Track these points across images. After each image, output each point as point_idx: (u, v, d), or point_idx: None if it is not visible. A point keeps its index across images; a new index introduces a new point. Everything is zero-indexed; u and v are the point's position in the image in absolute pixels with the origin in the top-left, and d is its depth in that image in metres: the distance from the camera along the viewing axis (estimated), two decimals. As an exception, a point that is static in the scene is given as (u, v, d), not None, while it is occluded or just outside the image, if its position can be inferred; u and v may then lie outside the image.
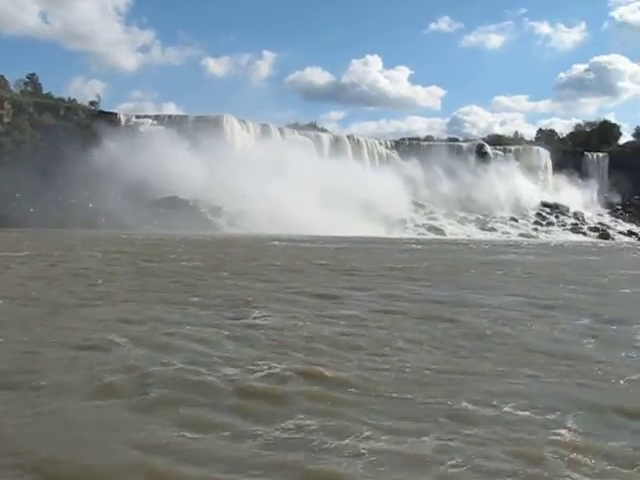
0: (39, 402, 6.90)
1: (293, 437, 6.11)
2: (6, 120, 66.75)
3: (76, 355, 8.91)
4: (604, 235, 79.04)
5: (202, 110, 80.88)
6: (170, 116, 76.78)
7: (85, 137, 65.84)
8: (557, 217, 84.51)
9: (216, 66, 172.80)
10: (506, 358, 9.39)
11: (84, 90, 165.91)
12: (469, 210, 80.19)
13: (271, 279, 19.01)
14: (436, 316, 12.90)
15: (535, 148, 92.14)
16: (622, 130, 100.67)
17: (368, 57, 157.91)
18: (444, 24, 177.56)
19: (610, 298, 17.09)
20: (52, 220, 54.49)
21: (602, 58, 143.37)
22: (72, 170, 60.16)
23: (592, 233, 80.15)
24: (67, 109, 71.91)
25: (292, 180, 61.64)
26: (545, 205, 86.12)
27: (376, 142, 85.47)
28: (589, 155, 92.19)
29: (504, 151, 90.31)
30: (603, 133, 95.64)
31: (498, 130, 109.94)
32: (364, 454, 5.72)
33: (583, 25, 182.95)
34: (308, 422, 6.47)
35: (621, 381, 8.21)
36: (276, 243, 39.26)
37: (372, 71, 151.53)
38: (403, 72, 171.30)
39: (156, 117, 75.22)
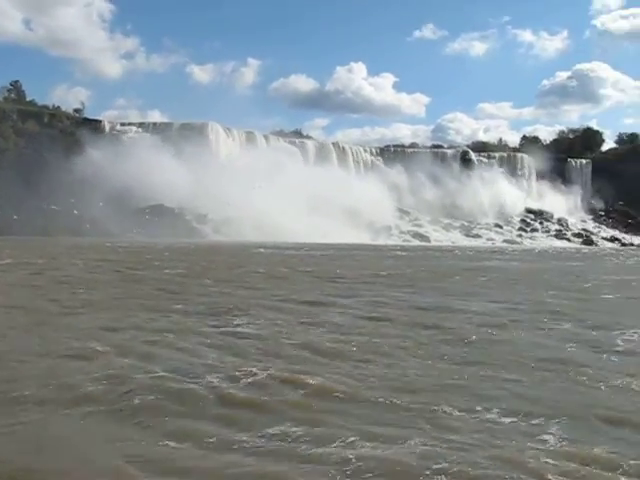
0: (19, 412, 6.81)
1: (277, 446, 6.07)
2: (-11, 128, 66.38)
3: (58, 364, 8.82)
4: (588, 241, 79.46)
5: (187, 117, 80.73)
6: (155, 123, 76.44)
7: (69, 144, 65.44)
8: (541, 223, 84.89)
9: (201, 73, 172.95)
10: (491, 364, 9.41)
11: (68, 97, 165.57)
12: (454, 217, 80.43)
13: (255, 286, 18.97)
14: (421, 322, 12.91)
15: (519, 155, 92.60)
16: (605, 137, 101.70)
17: (352, 64, 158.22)
18: (428, 31, 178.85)
19: (593, 304, 17.21)
20: (36, 228, 54.12)
21: (584, 66, 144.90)
22: (56, 178, 59.84)
23: (576, 239, 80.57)
24: (51, 116, 71.45)
25: (277, 187, 61.59)
26: (529, 211, 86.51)
27: (361, 149, 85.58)
28: (572, 162, 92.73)
29: (488, 158, 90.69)
30: (586, 140, 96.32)
31: (482, 137, 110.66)
32: (350, 461, 5.68)
33: (565, 33, 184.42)
34: (292, 430, 6.44)
35: (603, 386, 8.24)
36: (261, 250, 39.19)
37: (356, 78, 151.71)
38: (388, 79, 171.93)
39: (141, 124, 74.87)
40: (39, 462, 5.67)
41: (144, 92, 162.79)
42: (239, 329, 11.77)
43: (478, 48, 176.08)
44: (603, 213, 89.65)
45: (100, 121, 73.26)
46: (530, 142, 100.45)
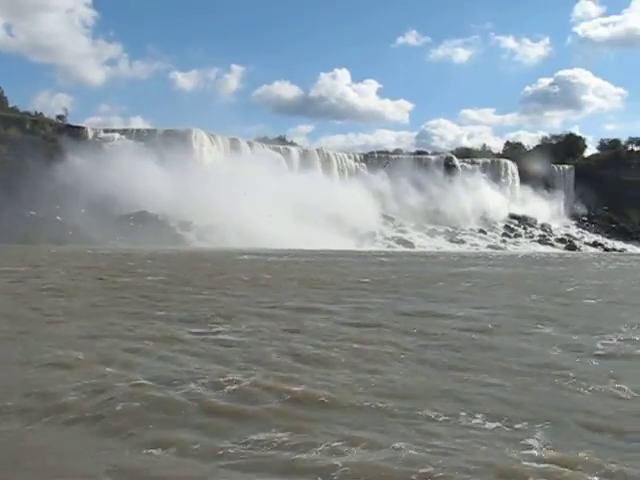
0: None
1: (261, 453, 6.02)
2: (-29, 135, 65.97)
3: (40, 373, 8.74)
4: (571, 246, 79.97)
5: (170, 124, 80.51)
6: (138, 130, 76.20)
7: (52, 151, 65.12)
8: (525, 229, 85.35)
9: (184, 80, 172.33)
10: (474, 369, 9.42)
11: (51, 104, 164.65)
12: (438, 223, 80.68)
13: (239, 293, 18.90)
14: (405, 328, 12.91)
15: (503, 161, 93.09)
16: (587, 143, 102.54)
17: (336, 71, 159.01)
18: (412, 38, 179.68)
19: (575, 308, 17.28)
20: (17, 235, 53.71)
21: (566, 72, 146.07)
22: (39, 185, 59.54)
23: (559, 244, 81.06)
24: (33, 123, 71.10)
25: (262, 194, 61.54)
26: (513, 217, 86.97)
27: (345, 155, 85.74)
28: (555, 167, 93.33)
29: (472, 164, 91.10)
30: (569, 146, 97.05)
31: (466, 143, 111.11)
32: (335, 467, 5.66)
33: (547, 40, 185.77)
34: (276, 437, 6.39)
35: (585, 391, 8.27)
36: (245, 257, 39.12)
37: (340, 85, 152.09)
38: (371, 86, 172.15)
39: (124, 131, 74.64)
40: (16, 474, 5.59)
41: (127, 98, 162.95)
42: (222, 336, 11.70)
43: (461, 54, 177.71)
44: (586, 218, 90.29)
45: (83, 128, 72.98)
46: (513, 148, 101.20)
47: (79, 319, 13.46)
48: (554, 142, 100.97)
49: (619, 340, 11.87)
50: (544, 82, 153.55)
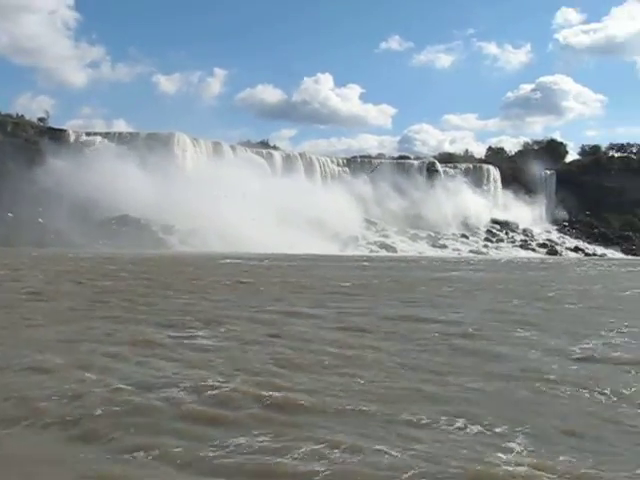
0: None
1: (243, 459, 5.99)
2: (-49, 137, 65.43)
3: (17, 378, 8.66)
4: (552, 251, 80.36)
5: (153, 127, 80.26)
6: (121, 133, 75.74)
7: (33, 154, 64.58)
8: (507, 234, 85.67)
9: (167, 83, 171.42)
10: (456, 372, 9.46)
11: (32, 106, 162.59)
12: (420, 227, 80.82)
13: (220, 297, 18.82)
14: (386, 332, 12.95)
15: (485, 166, 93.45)
16: (568, 149, 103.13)
17: (319, 75, 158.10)
18: (395, 43, 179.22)
19: (556, 313, 17.42)
20: (-2, 237, 53.34)
21: (548, 78, 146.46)
22: (20, 187, 59.04)
23: (541, 249, 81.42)
24: (15, 125, 70.47)
25: (244, 198, 61.44)
26: (495, 222, 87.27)
27: (328, 160, 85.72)
28: (537, 173, 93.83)
29: (455, 169, 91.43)
30: (550, 151, 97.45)
31: (448, 148, 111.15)
32: (318, 473, 5.65)
33: (529, 46, 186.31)
34: (257, 442, 6.37)
35: (566, 395, 8.33)
36: (227, 261, 38.99)
37: (323, 89, 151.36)
38: (354, 90, 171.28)
39: (106, 134, 74.15)
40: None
41: (109, 101, 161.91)
42: (202, 341, 11.66)
43: (444, 60, 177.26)
44: (567, 224, 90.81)
45: (65, 130, 72.48)
46: (495, 153, 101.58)
47: (58, 323, 13.35)
48: (536, 147, 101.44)
49: (598, 344, 11.98)
50: (526, 88, 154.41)
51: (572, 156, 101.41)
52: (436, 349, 11.27)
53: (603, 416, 7.50)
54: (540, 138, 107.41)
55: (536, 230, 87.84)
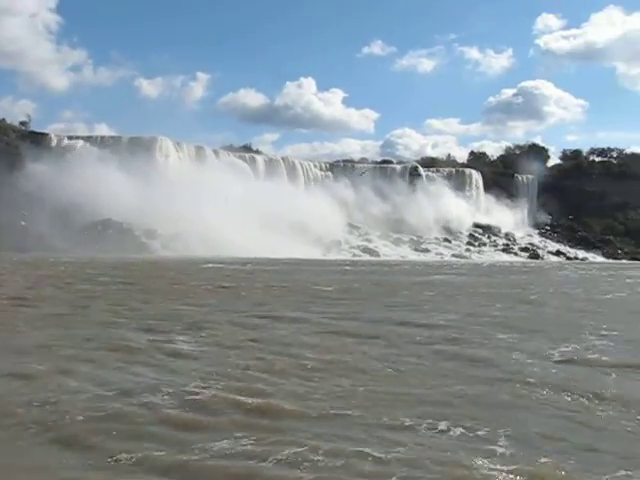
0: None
1: (224, 465, 5.95)
2: None
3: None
4: (534, 255, 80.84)
5: (135, 131, 79.80)
6: (103, 137, 75.47)
7: (15, 158, 64.20)
8: (489, 238, 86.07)
9: (149, 87, 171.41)
10: (439, 375, 9.50)
11: (14, 109, 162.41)
12: (403, 232, 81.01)
13: (201, 302, 18.72)
14: (368, 336, 12.94)
15: (467, 170, 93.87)
16: (549, 153, 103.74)
17: (302, 79, 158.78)
18: (377, 48, 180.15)
19: (537, 316, 17.54)
20: (-22, 242, 52.91)
21: (529, 83, 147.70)
22: (1, 192, 58.68)
23: (523, 253, 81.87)
24: (-4, 129, 70.19)
25: (227, 202, 61.34)
26: (477, 226, 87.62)
27: (311, 164, 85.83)
28: (519, 177, 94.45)
29: (437, 173, 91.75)
30: (532, 156, 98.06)
31: (430, 152, 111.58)
32: (301, 478, 5.65)
33: (510, 51, 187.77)
34: (240, 447, 6.34)
35: (546, 398, 8.36)
36: (210, 266, 38.90)
37: (306, 93, 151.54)
38: (337, 95, 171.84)
39: (88, 138, 73.86)
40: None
41: (91, 105, 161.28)
42: (183, 346, 11.60)
43: (426, 65, 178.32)
44: (549, 228, 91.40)
45: (47, 134, 72.12)
46: (478, 158, 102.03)
47: (38, 329, 13.25)
48: (517, 152, 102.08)
49: (578, 347, 12.04)
50: (507, 93, 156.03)
51: (553, 160, 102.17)
52: (418, 353, 11.28)
53: (583, 419, 7.53)
54: (522, 143, 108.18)
55: (518, 234, 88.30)
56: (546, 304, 20.63)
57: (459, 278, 35.39)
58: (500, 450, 6.38)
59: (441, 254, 76.75)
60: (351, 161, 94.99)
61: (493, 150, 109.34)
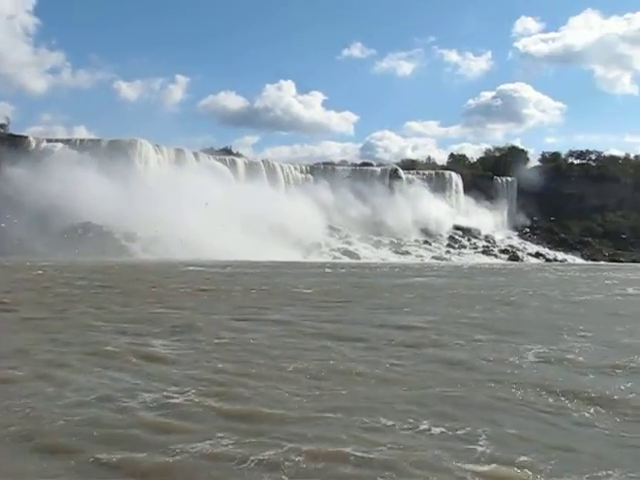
0: None
1: (205, 467, 5.97)
2: None
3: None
4: (514, 257, 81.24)
5: (114, 134, 79.30)
6: (82, 140, 74.93)
7: (-8, 161, 63.74)
8: (469, 240, 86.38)
9: (128, 90, 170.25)
10: (417, 376, 9.57)
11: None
12: (383, 234, 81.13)
13: (180, 305, 18.59)
14: (349, 338, 12.98)
15: (447, 172, 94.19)
16: (529, 156, 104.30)
17: (282, 82, 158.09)
18: (356, 50, 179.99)
19: (516, 317, 17.69)
20: (-46, 247, 52.43)
21: (508, 86, 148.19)
22: (-21, 195, 58.24)
23: (503, 255, 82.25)
24: (-27, 132, 69.59)
25: (207, 205, 61.15)
26: (457, 228, 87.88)
27: (291, 167, 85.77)
28: (499, 179, 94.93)
29: (417, 175, 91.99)
30: (512, 158, 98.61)
31: (410, 155, 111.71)
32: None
33: (489, 54, 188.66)
34: (221, 450, 6.37)
35: (523, 397, 8.45)
36: (190, 269, 38.74)
37: (286, 96, 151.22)
38: (317, 97, 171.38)
39: (67, 141, 73.33)
40: None
41: (70, 108, 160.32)
42: (161, 349, 11.56)
43: (405, 67, 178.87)
44: (528, 230, 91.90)
45: (26, 137, 71.51)
46: (457, 160, 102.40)
47: (16, 333, 13.13)
48: (497, 154, 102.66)
49: (556, 348, 12.15)
50: (486, 95, 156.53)
51: (533, 163, 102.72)
52: (399, 355, 11.33)
53: (562, 419, 7.62)
54: (501, 145, 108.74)
55: (498, 236, 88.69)
56: (525, 306, 20.79)
57: (439, 280, 35.50)
58: (479, 450, 6.44)
59: (421, 256, 76.92)
60: (331, 164, 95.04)
61: (473, 152, 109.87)
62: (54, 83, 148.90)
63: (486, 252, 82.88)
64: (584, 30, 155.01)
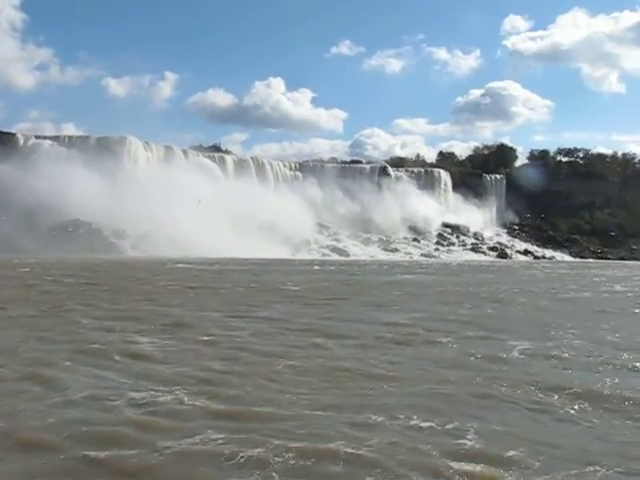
0: None
1: (195, 466, 5.97)
2: None
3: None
4: (502, 254, 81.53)
5: (103, 131, 79.09)
6: (71, 137, 74.55)
7: (-21, 158, 63.36)
8: (458, 237, 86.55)
9: (117, 86, 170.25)
10: (406, 372, 9.60)
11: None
12: (372, 231, 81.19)
13: (168, 303, 18.55)
14: (337, 335, 13.00)
15: (436, 170, 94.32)
16: (517, 153, 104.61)
17: (271, 79, 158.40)
18: (345, 48, 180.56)
19: (503, 314, 17.82)
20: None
21: (497, 84, 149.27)
22: (-34, 193, 57.89)
23: (491, 252, 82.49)
24: (-40, 129, 69.15)
25: (196, 202, 61.04)
26: (446, 226, 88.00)
27: (280, 164, 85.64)
28: (487, 177, 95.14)
29: (406, 173, 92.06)
30: (500, 156, 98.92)
31: (399, 152, 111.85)
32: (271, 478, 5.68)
33: (478, 52, 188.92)
34: (208, 448, 6.37)
35: (509, 392, 8.49)
36: (178, 266, 38.66)
37: (275, 93, 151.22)
38: (306, 95, 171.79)
39: (56, 138, 72.93)
40: None
41: (58, 104, 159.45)
42: (149, 347, 11.52)
43: (394, 65, 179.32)
44: (517, 227, 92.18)
45: (13, 134, 71.15)
46: (446, 158, 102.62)
47: (3, 330, 13.04)
48: (486, 152, 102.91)
49: (544, 345, 12.22)
50: (475, 93, 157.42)
51: (521, 161, 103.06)
52: (387, 352, 11.36)
53: (549, 414, 7.67)
54: (490, 143, 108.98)
55: (487, 234, 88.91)
56: (513, 303, 20.89)
57: (428, 277, 35.59)
58: (468, 445, 6.48)
59: (410, 254, 77.03)
60: (320, 161, 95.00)
61: (461, 150, 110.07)
62: (42, 79, 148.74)
63: (475, 249, 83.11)
64: (572, 28, 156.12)
